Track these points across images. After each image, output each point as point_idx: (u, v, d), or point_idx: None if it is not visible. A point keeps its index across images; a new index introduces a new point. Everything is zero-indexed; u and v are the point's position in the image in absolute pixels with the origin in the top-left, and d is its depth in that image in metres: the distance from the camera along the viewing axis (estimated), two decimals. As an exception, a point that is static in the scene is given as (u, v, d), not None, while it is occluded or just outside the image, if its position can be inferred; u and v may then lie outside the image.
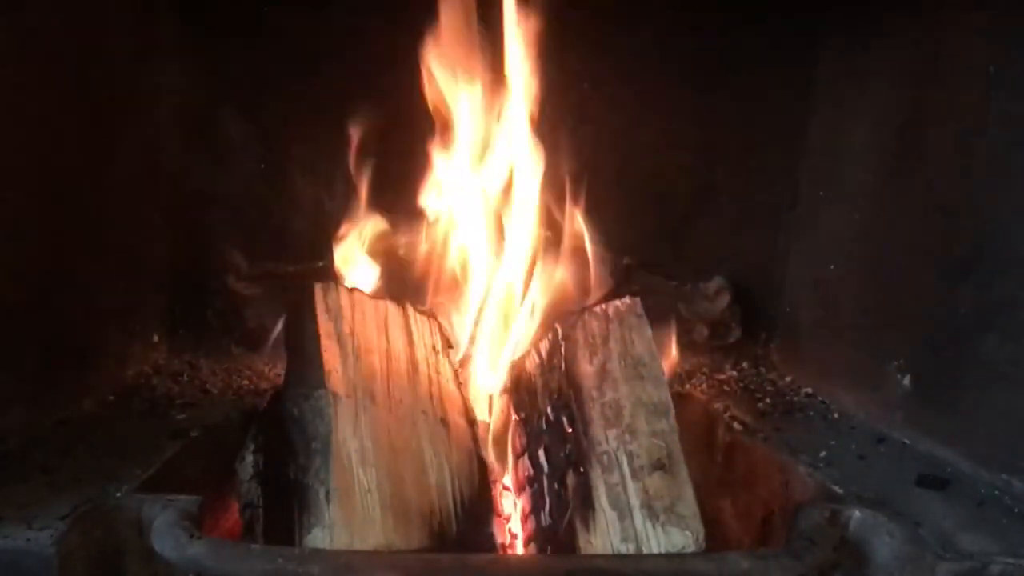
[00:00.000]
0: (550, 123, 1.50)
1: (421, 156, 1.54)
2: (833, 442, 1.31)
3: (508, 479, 1.25)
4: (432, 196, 1.55)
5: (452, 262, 1.55)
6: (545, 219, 1.53)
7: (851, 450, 1.28)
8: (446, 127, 1.52)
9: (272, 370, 1.64)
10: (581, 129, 1.60)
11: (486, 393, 1.36)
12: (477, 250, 1.53)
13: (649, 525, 1.00)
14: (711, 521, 1.04)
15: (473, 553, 1.03)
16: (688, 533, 0.99)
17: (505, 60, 1.46)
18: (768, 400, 1.55)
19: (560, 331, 1.20)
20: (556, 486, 1.09)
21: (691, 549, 0.98)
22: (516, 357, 1.31)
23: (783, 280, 1.76)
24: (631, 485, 1.03)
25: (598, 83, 1.66)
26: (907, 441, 1.30)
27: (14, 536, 0.90)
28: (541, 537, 1.10)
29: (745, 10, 1.65)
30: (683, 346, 1.70)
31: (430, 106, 1.50)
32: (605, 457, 1.06)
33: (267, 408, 1.17)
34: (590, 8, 1.57)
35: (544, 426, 1.16)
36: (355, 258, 1.55)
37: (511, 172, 1.50)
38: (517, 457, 1.22)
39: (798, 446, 1.28)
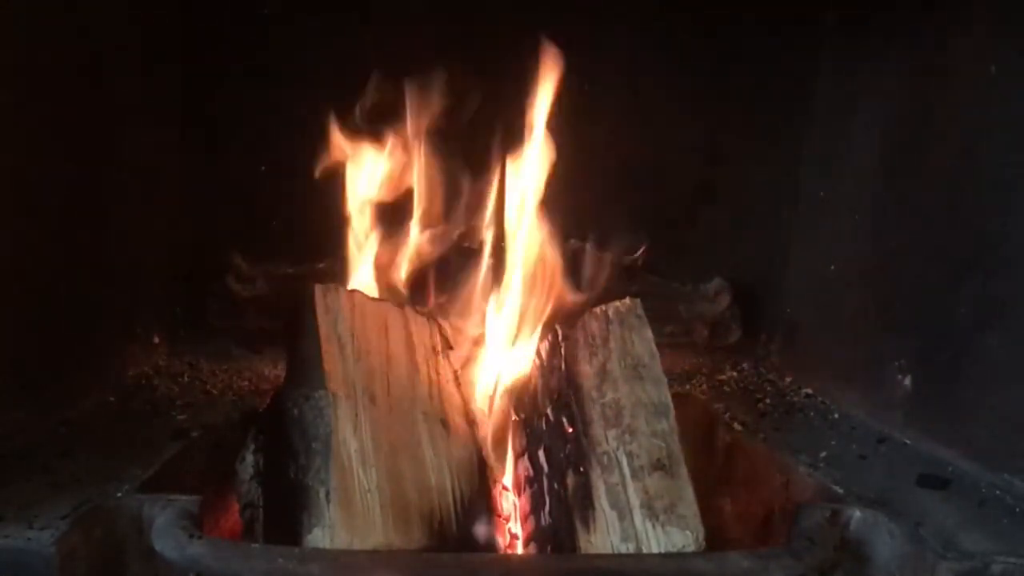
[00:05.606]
0: (551, 123, 1.50)
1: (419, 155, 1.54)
2: (833, 442, 1.31)
3: (508, 479, 1.25)
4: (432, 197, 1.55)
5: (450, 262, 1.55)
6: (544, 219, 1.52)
7: (852, 450, 1.28)
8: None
9: (272, 371, 1.64)
10: (581, 129, 1.60)
11: (486, 394, 1.36)
12: (476, 252, 1.53)
13: (649, 525, 1.00)
14: (711, 521, 1.04)
15: (473, 553, 1.03)
16: (688, 533, 0.99)
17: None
18: (768, 400, 1.56)
19: (560, 331, 1.20)
20: (556, 486, 1.09)
21: (691, 549, 0.98)
22: (516, 359, 1.31)
23: (783, 280, 1.76)
24: (631, 485, 1.03)
25: (598, 83, 1.66)
26: (908, 441, 1.30)
27: (15, 535, 0.90)
28: (541, 537, 1.10)
29: (746, 9, 1.65)
30: (683, 346, 1.70)
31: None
32: (605, 457, 1.06)
33: (267, 408, 1.17)
34: (591, 7, 1.57)
35: (544, 426, 1.16)
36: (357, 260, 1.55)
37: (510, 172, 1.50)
38: (517, 457, 1.22)
39: (798, 446, 1.28)
